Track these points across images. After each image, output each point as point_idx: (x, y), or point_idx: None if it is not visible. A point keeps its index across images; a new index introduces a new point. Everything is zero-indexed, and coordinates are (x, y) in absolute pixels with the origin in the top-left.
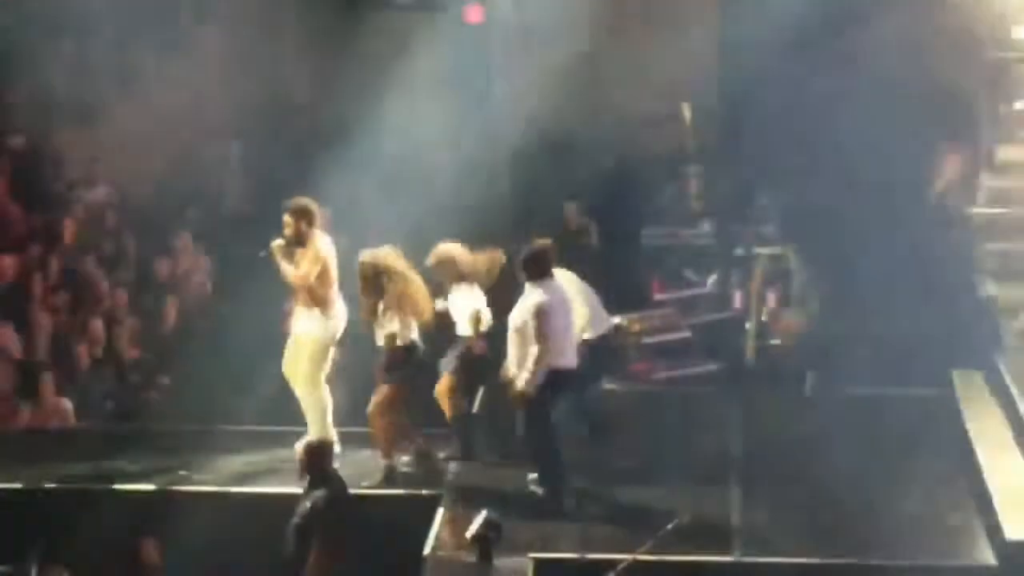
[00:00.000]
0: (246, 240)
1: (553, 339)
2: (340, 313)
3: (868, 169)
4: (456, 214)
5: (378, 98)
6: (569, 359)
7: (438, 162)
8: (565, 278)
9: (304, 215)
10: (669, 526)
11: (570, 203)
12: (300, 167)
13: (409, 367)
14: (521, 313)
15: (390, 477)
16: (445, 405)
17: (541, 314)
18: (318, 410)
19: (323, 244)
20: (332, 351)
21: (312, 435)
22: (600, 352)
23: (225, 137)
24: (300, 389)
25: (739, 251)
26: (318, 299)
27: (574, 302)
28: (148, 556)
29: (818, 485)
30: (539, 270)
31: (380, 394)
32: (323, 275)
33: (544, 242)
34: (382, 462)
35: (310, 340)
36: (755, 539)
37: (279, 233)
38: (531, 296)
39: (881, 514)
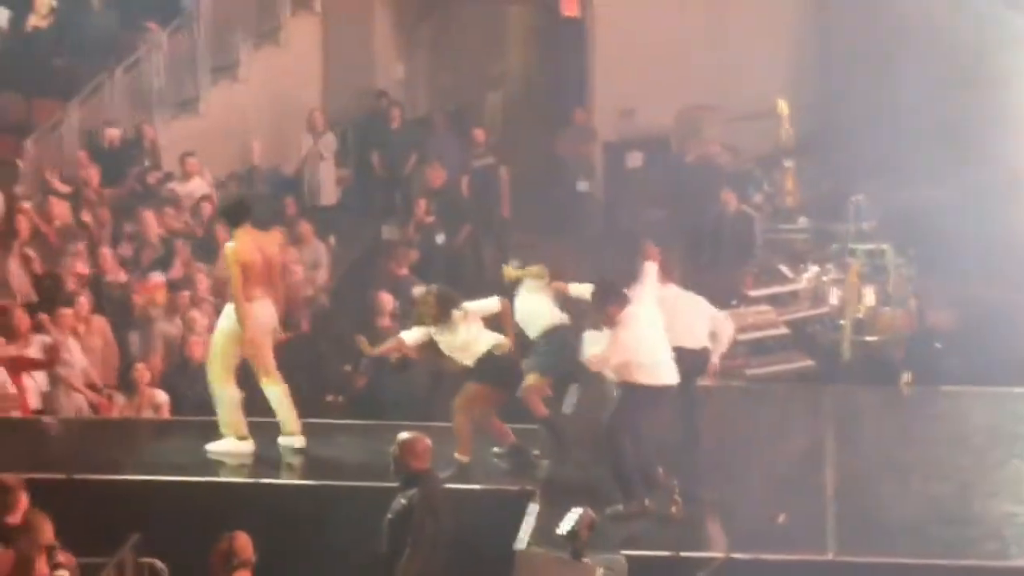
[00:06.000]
0: (340, 230)
1: (628, 347)
2: (259, 308)
3: (968, 166)
4: (546, 205)
5: (473, 91)
6: (654, 376)
7: (530, 152)
8: (674, 295)
9: (222, 215)
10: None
11: (727, 189)
12: (394, 158)
13: (496, 366)
14: None
15: (461, 474)
16: (531, 404)
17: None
18: (225, 405)
19: (247, 245)
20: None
21: (223, 429)
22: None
23: (320, 128)
24: (270, 385)
25: (835, 247)
26: (239, 295)
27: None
28: (241, 549)
29: (913, 483)
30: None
31: (465, 391)
32: (239, 272)
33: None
34: (456, 458)
35: (218, 334)
36: (851, 538)
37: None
38: None
39: (976, 513)
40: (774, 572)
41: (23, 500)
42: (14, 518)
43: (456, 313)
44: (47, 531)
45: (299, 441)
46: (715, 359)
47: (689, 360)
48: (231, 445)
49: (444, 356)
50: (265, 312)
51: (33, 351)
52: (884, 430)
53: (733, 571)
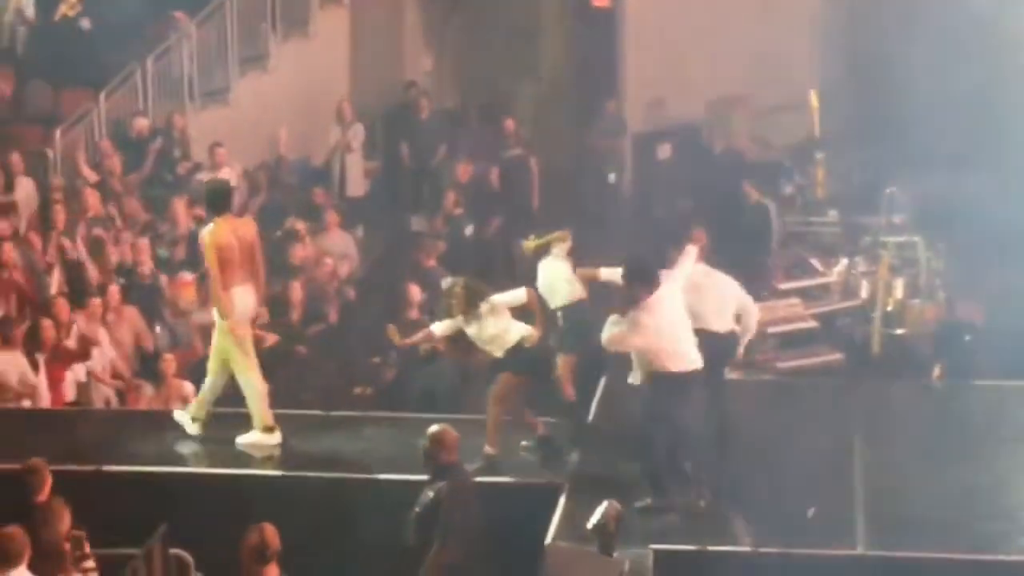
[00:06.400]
0: (367, 221)
1: (650, 332)
2: (239, 295)
3: (1001, 158)
4: (576, 197)
5: (503, 82)
6: (679, 361)
7: (559, 143)
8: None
9: (205, 198)
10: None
11: (748, 181)
12: (423, 150)
13: (528, 357)
14: None
15: (490, 467)
16: (562, 384)
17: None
18: (251, 394)
19: (224, 230)
20: (244, 333)
21: (255, 418)
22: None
23: (348, 119)
24: (214, 375)
25: (866, 239)
26: (216, 282)
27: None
28: (271, 540)
29: (944, 477)
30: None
31: (498, 382)
32: (220, 259)
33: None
34: (485, 451)
35: (217, 326)
36: (880, 533)
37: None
38: None
39: (1008, 507)
40: (803, 567)
41: (48, 481)
42: (41, 496)
43: (483, 306)
44: (66, 519)
45: (272, 439)
46: (741, 347)
47: (715, 344)
48: (257, 437)
49: (473, 349)
50: (245, 299)
51: (72, 342)
52: (914, 424)
53: (762, 566)
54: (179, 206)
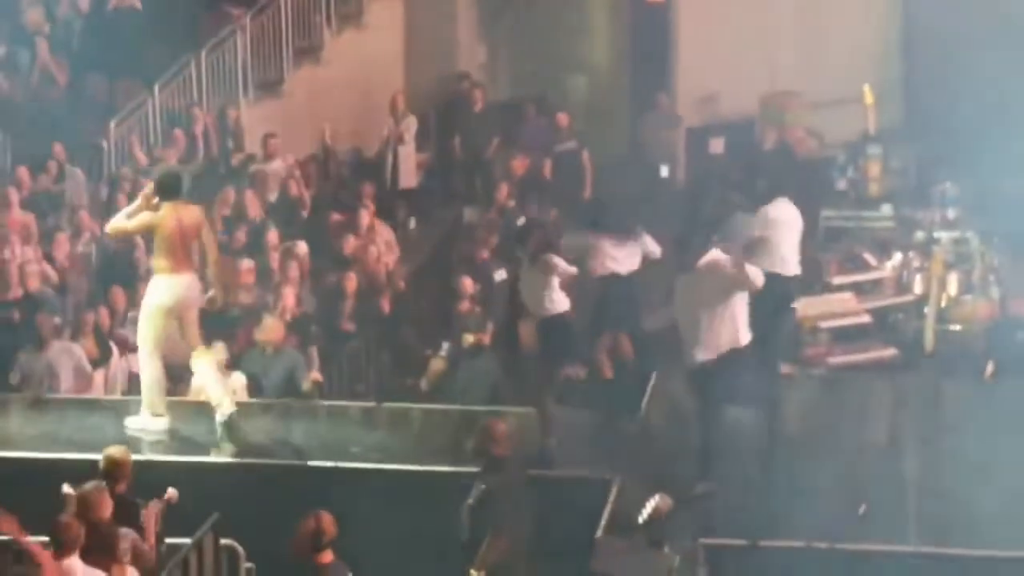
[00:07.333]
0: (420, 213)
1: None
2: (174, 283)
3: None
4: (628, 190)
5: (556, 75)
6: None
7: (612, 136)
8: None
9: (157, 185)
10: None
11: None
12: (476, 142)
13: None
14: None
15: (541, 460)
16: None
17: None
18: (145, 379)
19: (167, 215)
20: (163, 320)
21: (144, 402)
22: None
23: (401, 110)
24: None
25: (920, 235)
26: (158, 266)
27: None
28: (328, 527)
29: (996, 474)
30: None
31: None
32: (159, 244)
33: None
34: (545, 442)
35: (145, 304)
36: (932, 529)
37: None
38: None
39: None
40: (855, 562)
41: (129, 474)
42: (122, 487)
43: (547, 258)
44: (108, 506)
45: (159, 424)
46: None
47: (781, 288)
48: (145, 422)
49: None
50: (177, 288)
51: (128, 332)
52: (967, 420)
53: (813, 561)
54: (249, 195)
